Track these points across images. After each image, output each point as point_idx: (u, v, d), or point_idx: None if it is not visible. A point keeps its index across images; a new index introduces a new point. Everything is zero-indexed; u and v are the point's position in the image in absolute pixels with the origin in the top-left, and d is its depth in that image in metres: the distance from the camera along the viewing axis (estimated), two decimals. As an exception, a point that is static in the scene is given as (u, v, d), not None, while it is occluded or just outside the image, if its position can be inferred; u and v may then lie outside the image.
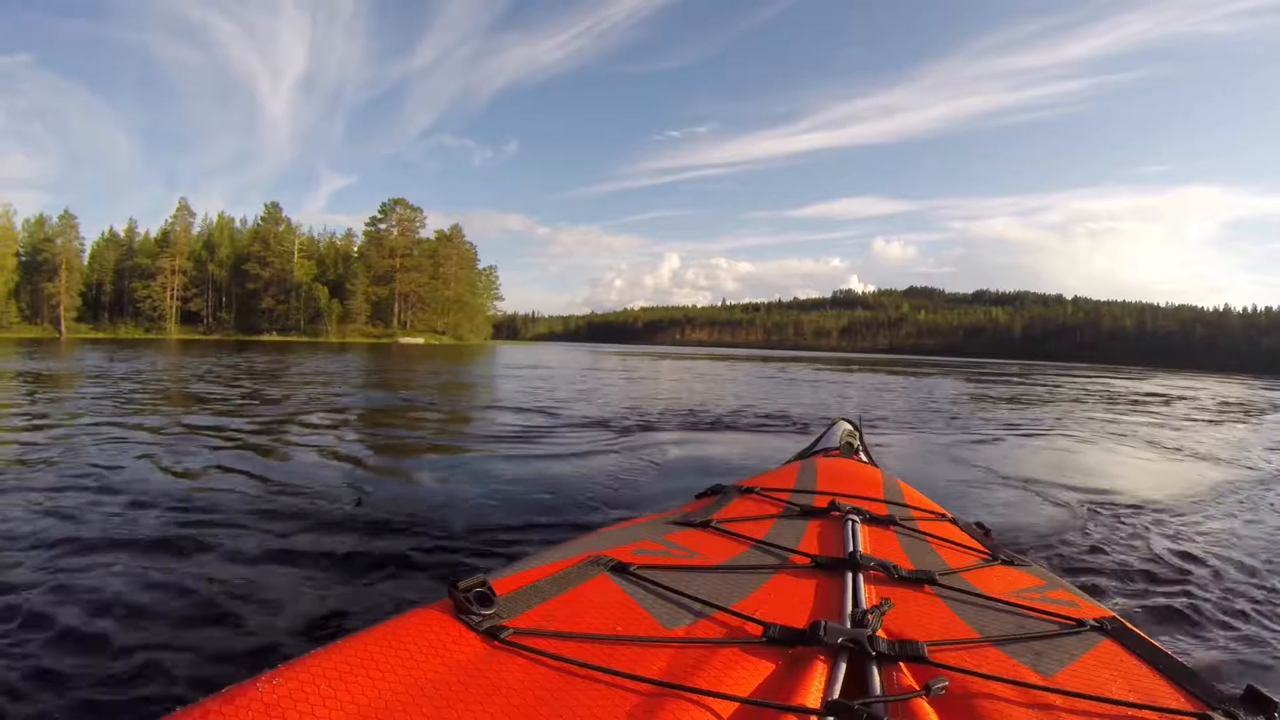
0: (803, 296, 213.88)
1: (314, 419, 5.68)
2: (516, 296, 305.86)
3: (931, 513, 1.38)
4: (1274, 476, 4.43)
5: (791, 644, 0.69)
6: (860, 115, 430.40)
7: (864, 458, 2.33)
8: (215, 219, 63.68)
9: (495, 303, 78.96)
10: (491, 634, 0.67)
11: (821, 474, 1.65)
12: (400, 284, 63.21)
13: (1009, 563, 1.10)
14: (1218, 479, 4.24)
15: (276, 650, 1.51)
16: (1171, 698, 0.66)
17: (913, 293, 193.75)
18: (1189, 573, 2.19)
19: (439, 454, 4.22)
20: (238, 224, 63.82)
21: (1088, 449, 5.60)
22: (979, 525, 1.42)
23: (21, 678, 1.38)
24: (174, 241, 59.41)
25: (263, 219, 62.22)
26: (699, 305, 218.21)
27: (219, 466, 3.50)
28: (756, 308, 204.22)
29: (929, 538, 1.19)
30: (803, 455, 2.36)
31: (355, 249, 66.22)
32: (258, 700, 0.53)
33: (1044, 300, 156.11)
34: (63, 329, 54.24)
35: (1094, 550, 2.39)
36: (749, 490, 1.42)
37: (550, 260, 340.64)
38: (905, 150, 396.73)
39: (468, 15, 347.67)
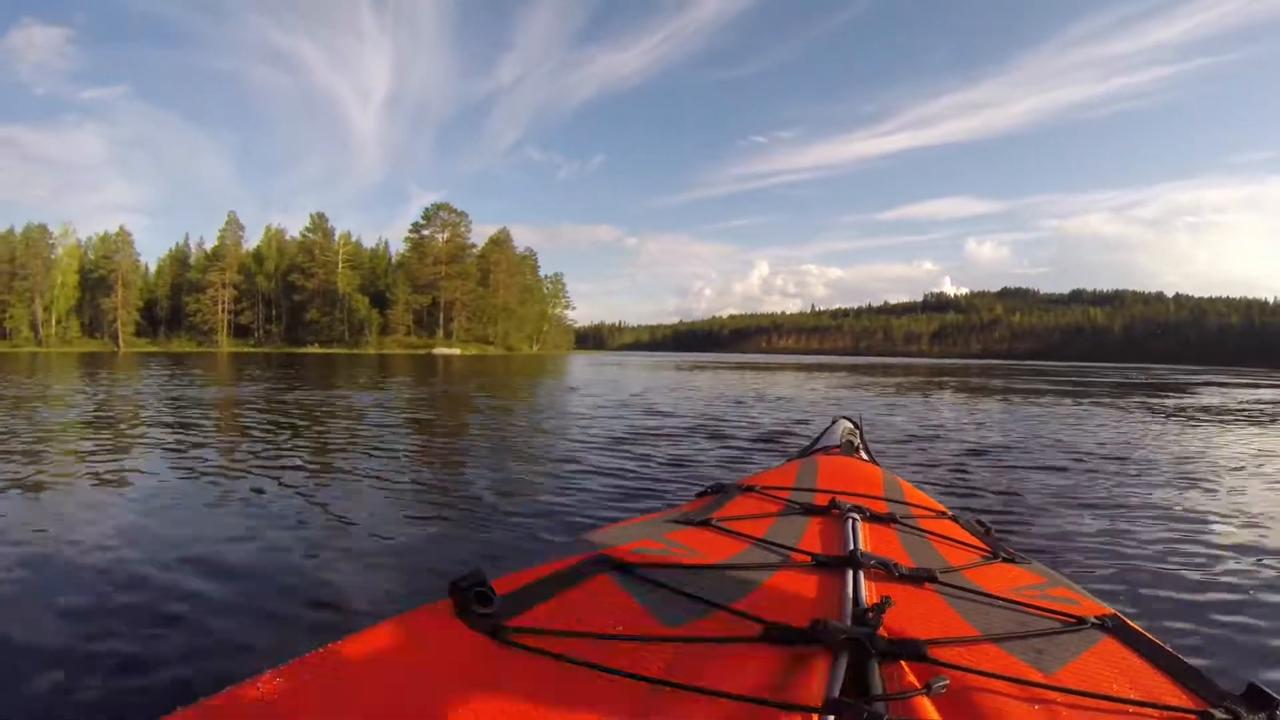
0: (893, 301, 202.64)
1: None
2: (606, 307, 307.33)
3: (932, 510, 1.37)
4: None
5: (792, 642, 0.68)
6: (948, 113, 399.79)
7: (864, 456, 2.29)
8: (264, 232, 63.92)
9: (566, 312, 76.15)
10: (492, 633, 0.67)
11: (822, 472, 1.64)
12: (444, 292, 60.95)
13: (1010, 560, 1.10)
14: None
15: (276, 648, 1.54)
16: (1173, 695, 0.66)
17: (1006, 294, 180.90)
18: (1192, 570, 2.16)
19: (434, 458, 4.14)
20: (296, 235, 63.61)
21: None
22: (980, 523, 1.40)
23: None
24: (223, 255, 59.62)
25: (308, 230, 61.65)
26: (788, 312, 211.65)
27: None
28: (845, 313, 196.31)
29: (930, 535, 1.18)
30: (803, 453, 2.31)
31: (398, 255, 64.77)
32: (258, 699, 0.53)
33: (1144, 299, 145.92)
34: (120, 343, 55.11)
35: (1096, 548, 2.37)
36: (749, 488, 1.41)
37: (639, 270, 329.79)
38: (995, 147, 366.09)
39: (548, 30, 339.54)
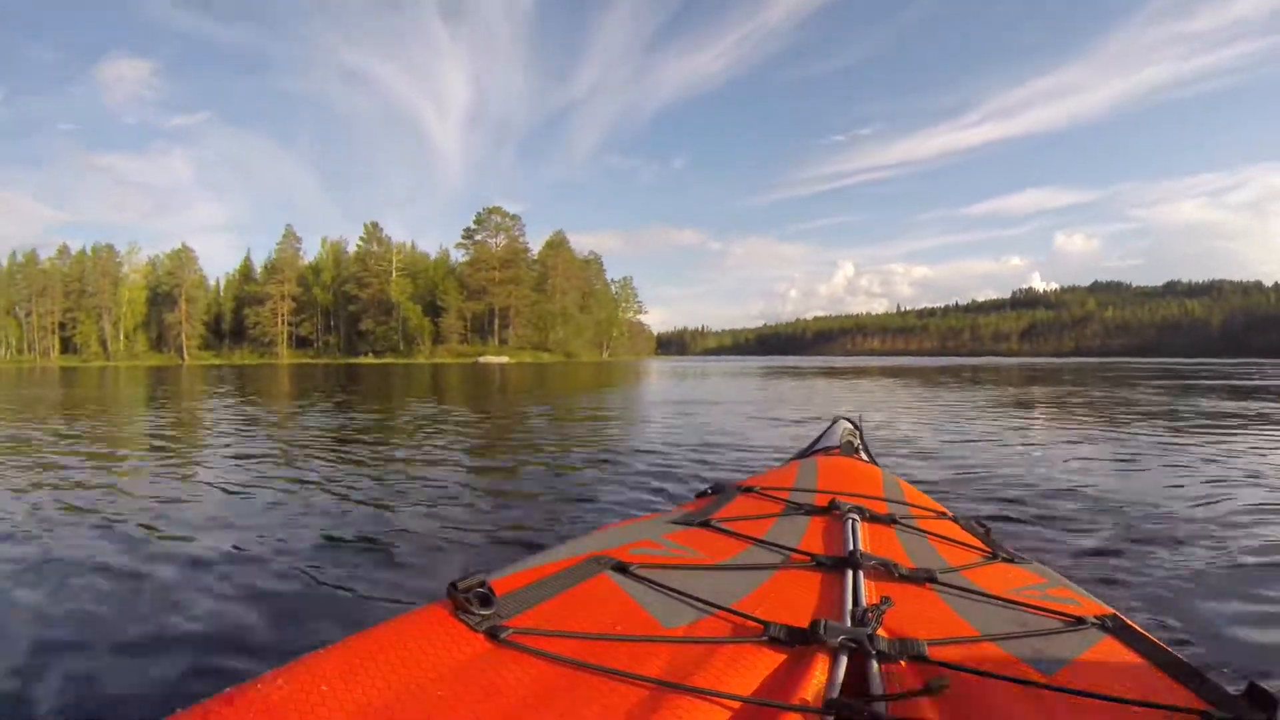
0: (981, 298, 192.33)
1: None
2: (690, 312, 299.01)
3: (932, 511, 1.37)
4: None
5: (792, 643, 0.68)
6: (1031, 101, 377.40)
7: (864, 456, 2.27)
8: (320, 244, 63.58)
9: (640, 316, 73.01)
10: (491, 634, 0.67)
11: (822, 473, 1.62)
12: (496, 298, 58.73)
13: (1010, 560, 1.10)
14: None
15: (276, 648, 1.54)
16: (1173, 695, 0.66)
17: (1097, 288, 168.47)
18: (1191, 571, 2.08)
19: (434, 461, 4.01)
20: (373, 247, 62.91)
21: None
22: (979, 523, 1.39)
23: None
24: (281, 268, 59.39)
25: (362, 239, 60.84)
26: (874, 313, 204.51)
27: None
28: (931, 312, 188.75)
29: (929, 536, 1.18)
30: (803, 454, 2.28)
31: (456, 263, 63.01)
32: (259, 700, 0.53)
33: (1243, 289, 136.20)
34: (185, 356, 55.42)
35: (1095, 549, 2.28)
36: (749, 489, 1.41)
37: (723, 274, 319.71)
38: (1081, 134, 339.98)
39: (623, 36, 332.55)
